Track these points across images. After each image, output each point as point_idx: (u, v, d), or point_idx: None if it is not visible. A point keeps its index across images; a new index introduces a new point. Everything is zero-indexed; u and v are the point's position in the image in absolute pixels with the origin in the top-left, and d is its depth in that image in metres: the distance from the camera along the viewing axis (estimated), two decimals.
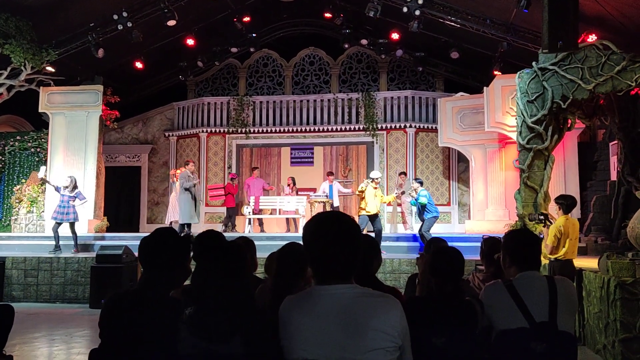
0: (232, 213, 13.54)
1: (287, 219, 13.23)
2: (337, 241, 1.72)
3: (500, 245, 2.78)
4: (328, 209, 12.63)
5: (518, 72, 8.74)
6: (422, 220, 10.12)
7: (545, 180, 8.40)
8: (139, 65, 14.31)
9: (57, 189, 10.59)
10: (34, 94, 13.47)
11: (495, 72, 12.75)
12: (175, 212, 12.43)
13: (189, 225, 10.95)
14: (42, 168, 11.61)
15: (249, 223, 12.68)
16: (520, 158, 8.61)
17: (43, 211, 12.98)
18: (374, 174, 10.10)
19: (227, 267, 2.01)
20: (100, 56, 12.60)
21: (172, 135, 16.04)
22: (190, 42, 14.10)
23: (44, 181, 11.32)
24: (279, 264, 2.78)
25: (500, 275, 2.98)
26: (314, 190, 14.12)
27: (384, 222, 14.49)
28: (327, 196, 12.63)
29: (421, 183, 10.39)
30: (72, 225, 10.43)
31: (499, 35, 11.99)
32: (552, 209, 7.10)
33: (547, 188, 8.43)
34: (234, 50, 15.71)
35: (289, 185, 13.44)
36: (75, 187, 10.60)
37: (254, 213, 12.87)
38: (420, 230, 10.08)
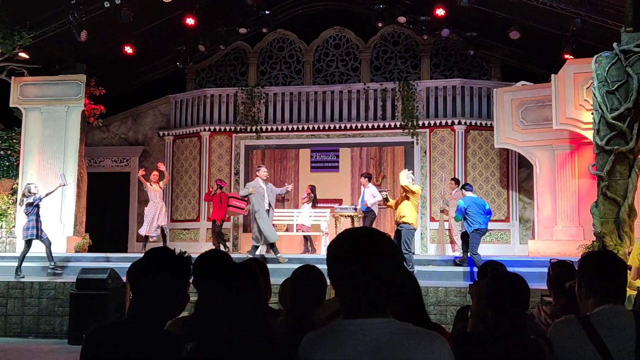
0: (219, 229, 13.58)
1: (306, 237, 13.25)
2: (368, 265, 1.72)
3: (574, 272, 2.74)
4: (358, 224, 12.61)
5: (595, 56, 8.65)
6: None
7: (630, 191, 8.25)
8: (128, 50, 14.54)
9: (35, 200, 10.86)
10: (4, 85, 13.78)
11: (566, 56, 12.61)
12: (152, 224, 12.73)
13: (271, 244, 11.04)
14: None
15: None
16: (598, 163, 8.49)
17: (14, 226, 13.24)
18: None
19: (236, 294, 2.02)
20: (83, 40, 12.84)
21: (168, 134, 16.24)
22: (190, 21, 14.28)
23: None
24: (292, 292, 2.79)
25: (573, 308, 2.94)
26: (340, 201, 14.11)
27: (427, 242, 14.40)
28: (355, 208, 12.60)
29: (464, 187, 10.33)
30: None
31: (570, 9, 11.86)
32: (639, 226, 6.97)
33: (632, 200, 8.29)
34: (242, 31, 15.86)
35: (308, 194, 13.48)
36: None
37: None
38: (470, 251, 9.98)
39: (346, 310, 1.77)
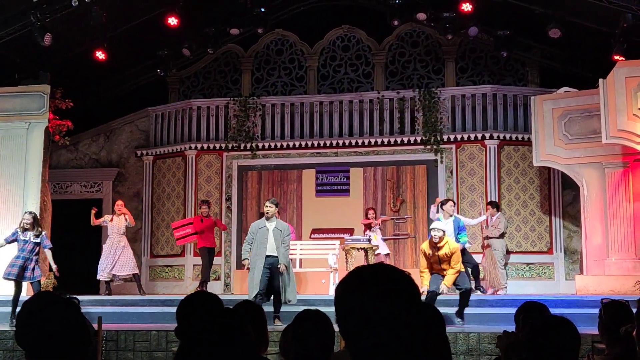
0: (208, 263, 13.52)
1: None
2: (384, 310, 1.71)
3: (631, 314, 2.72)
4: (372, 258, 12.57)
5: None
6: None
7: None
8: (100, 56, 14.62)
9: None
10: None
11: (616, 57, 12.64)
12: (125, 265, 13.07)
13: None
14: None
15: None
16: None
17: None
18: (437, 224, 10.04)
19: (220, 347, 2.01)
20: (47, 44, 12.92)
21: (147, 154, 16.29)
22: (172, 21, 14.37)
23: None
24: (297, 343, 2.78)
25: (630, 358, 2.91)
26: (351, 231, 14.06)
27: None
28: (369, 240, 12.57)
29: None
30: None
31: (621, 3, 11.91)
32: None
33: None
34: (234, 32, 15.95)
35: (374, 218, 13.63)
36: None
37: None
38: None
39: None
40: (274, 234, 9.76)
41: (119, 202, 13.69)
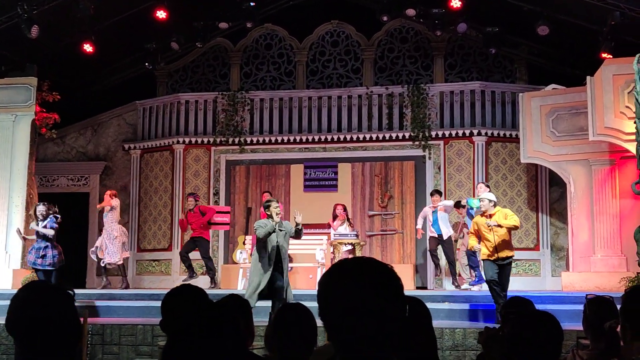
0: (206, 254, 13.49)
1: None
2: (368, 303, 1.71)
3: (615, 310, 2.73)
4: (360, 253, 12.57)
5: (637, 55, 8.72)
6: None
7: None
8: (88, 49, 14.55)
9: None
10: None
11: (604, 55, 12.70)
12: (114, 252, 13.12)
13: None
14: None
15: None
16: None
17: None
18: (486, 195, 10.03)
19: (212, 340, 2.00)
20: (33, 37, 12.85)
21: (135, 148, 16.24)
22: (161, 14, 14.32)
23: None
24: (279, 336, 2.78)
25: (614, 353, 2.92)
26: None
27: (442, 275, 14.34)
28: (356, 235, 12.57)
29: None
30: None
31: (609, 1, 11.95)
32: None
33: None
34: (223, 26, 15.90)
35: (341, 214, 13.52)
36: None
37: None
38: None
39: (343, 357, 1.75)
40: (277, 235, 9.29)
41: (107, 192, 13.63)
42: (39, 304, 2.17)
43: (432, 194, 13.45)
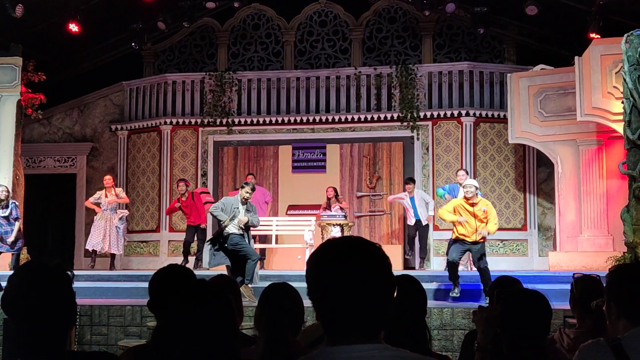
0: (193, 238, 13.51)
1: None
2: (357, 282, 1.71)
3: (602, 288, 2.75)
4: (349, 234, 12.60)
5: (625, 35, 8.71)
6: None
7: None
8: (74, 28, 14.42)
9: None
10: None
11: (592, 35, 12.70)
12: (113, 242, 13.07)
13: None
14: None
15: None
16: (629, 160, 8.55)
17: None
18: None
19: (203, 319, 1.99)
20: (18, 16, 12.73)
21: (122, 129, 16.16)
22: None
23: None
24: (268, 315, 2.79)
25: (600, 331, 2.94)
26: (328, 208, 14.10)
27: (432, 254, 14.42)
28: (344, 216, 12.57)
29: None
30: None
31: None
32: None
33: None
34: (210, 5, 15.80)
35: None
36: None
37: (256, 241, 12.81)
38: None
39: (331, 335, 1.76)
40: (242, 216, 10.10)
41: (107, 177, 13.53)
42: (37, 285, 2.17)
43: (407, 182, 13.45)
